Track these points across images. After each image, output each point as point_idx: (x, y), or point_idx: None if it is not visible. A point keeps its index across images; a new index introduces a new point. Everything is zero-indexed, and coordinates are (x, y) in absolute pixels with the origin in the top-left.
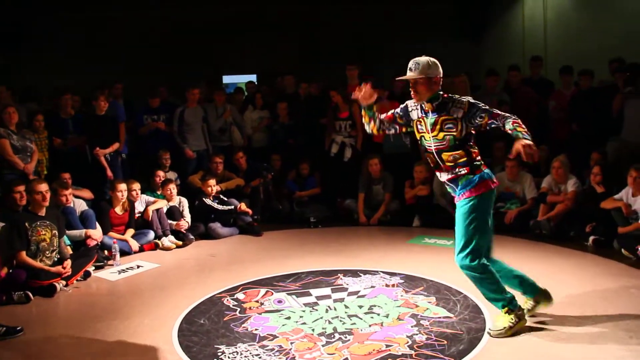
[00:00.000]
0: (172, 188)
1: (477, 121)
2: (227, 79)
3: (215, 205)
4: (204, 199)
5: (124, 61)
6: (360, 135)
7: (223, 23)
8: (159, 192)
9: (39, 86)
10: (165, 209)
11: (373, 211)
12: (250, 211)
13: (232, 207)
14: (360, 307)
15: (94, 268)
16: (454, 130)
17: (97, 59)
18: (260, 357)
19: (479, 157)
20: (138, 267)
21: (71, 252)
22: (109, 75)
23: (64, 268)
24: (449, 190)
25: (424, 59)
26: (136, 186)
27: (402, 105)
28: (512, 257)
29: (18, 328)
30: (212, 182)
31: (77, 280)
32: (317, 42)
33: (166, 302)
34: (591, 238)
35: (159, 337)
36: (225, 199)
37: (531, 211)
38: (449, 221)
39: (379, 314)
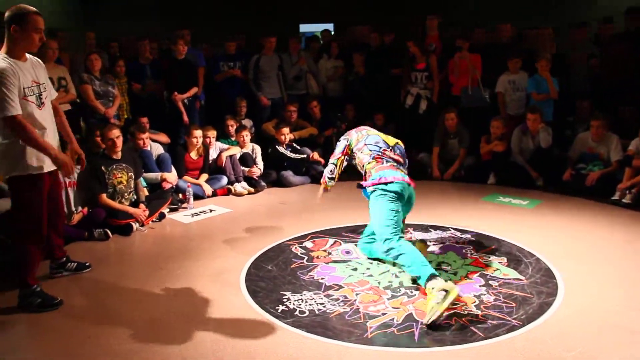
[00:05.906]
0: (246, 135)
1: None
2: (303, 28)
3: (288, 154)
4: (277, 146)
5: (199, 11)
6: (436, 87)
7: None
8: (233, 139)
9: (119, 32)
10: (238, 156)
11: (447, 166)
12: (322, 160)
13: (305, 155)
14: (429, 262)
15: (168, 210)
16: None
17: (172, 8)
18: (324, 306)
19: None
20: (210, 211)
21: (147, 194)
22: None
23: (144, 211)
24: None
25: None
26: (211, 133)
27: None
28: (590, 221)
29: (87, 264)
30: (286, 130)
31: (152, 221)
32: None
33: (236, 246)
34: None
35: (227, 280)
36: (298, 147)
37: (615, 175)
38: (526, 179)
39: (447, 271)
